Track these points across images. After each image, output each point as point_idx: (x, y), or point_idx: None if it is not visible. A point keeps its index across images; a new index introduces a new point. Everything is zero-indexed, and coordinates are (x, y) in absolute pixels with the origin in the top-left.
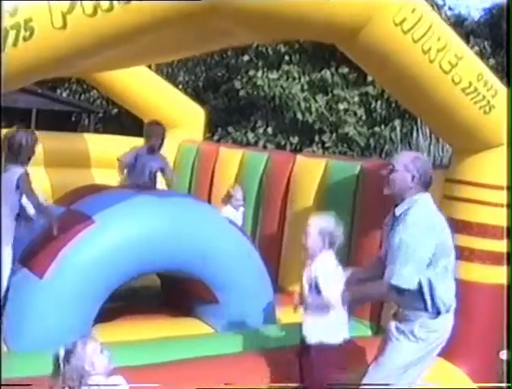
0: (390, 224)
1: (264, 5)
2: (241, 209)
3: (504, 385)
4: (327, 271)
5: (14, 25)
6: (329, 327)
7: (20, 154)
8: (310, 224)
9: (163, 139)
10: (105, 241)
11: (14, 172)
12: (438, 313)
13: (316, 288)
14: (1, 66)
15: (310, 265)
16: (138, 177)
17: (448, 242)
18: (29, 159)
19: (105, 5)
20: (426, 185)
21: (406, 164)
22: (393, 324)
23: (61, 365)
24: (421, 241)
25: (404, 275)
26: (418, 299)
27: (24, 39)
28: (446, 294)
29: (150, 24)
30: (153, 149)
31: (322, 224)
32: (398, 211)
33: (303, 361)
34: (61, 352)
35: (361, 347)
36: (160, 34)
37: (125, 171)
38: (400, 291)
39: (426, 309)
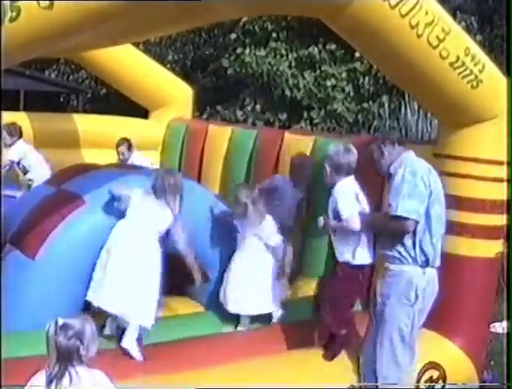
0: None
1: None
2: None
3: (504, 385)
4: (345, 197)
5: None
6: (354, 249)
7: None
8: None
9: None
10: (96, 221)
11: None
12: (426, 263)
13: (337, 214)
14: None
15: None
16: None
17: (441, 193)
18: None
19: None
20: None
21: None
22: (380, 291)
23: (52, 339)
24: (420, 179)
25: (409, 206)
26: (410, 244)
27: (11, 19)
28: (437, 245)
29: (132, 2)
30: None
31: (328, 154)
32: (391, 171)
33: (329, 292)
34: (53, 327)
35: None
36: (145, 9)
37: None
38: (403, 225)
39: (414, 260)
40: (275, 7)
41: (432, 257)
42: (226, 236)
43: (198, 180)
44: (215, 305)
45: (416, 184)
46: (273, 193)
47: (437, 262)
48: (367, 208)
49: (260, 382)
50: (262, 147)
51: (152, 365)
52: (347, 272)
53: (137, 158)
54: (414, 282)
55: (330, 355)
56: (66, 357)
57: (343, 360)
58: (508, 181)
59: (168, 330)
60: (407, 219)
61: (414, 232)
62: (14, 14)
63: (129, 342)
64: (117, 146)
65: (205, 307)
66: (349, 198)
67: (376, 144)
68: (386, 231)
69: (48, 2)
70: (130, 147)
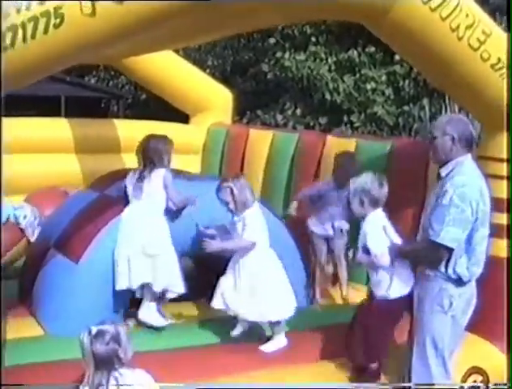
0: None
1: None
2: None
3: (504, 385)
4: (375, 230)
5: (44, 12)
6: (390, 283)
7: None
8: (350, 184)
9: None
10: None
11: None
12: (459, 281)
13: (366, 248)
14: (1, 64)
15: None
16: None
17: (487, 214)
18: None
19: None
20: (468, 145)
21: (443, 128)
22: (417, 293)
23: (88, 348)
24: (468, 204)
25: (452, 234)
26: (446, 263)
27: (55, 26)
28: (473, 267)
29: (177, 8)
30: None
31: (357, 184)
32: (443, 171)
33: (363, 323)
34: (88, 334)
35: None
36: (187, 18)
37: None
38: (438, 251)
39: (448, 278)
40: (319, 13)
41: (466, 278)
42: (270, 239)
43: None
44: None
45: (463, 210)
46: (317, 201)
47: (474, 278)
48: (396, 239)
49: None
50: (303, 151)
51: (180, 369)
52: (384, 306)
53: None
54: (447, 289)
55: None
56: (107, 363)
57: None
58: (508, 178)
59: (195, 335)
60: (446, 247)
61: (449, 257)
62: (58, 20)
63: (146, 313)
64: None
65: None
66: (378, 233)
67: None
68: (420, 255)
69: (90, 9)
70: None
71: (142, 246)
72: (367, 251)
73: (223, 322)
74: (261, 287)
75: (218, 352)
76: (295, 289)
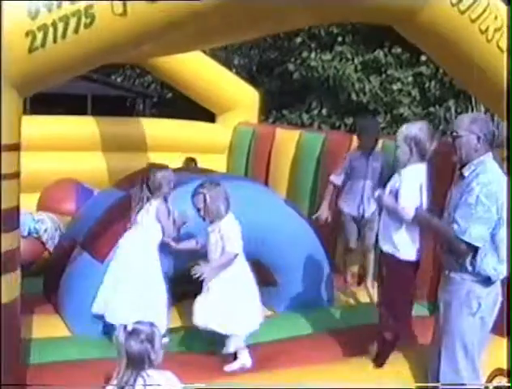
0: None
1: None
2: None
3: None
4: (412, 183)
5: (75, 12)
6: (400, 241)
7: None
8: (399, 131)
9: None
10: None
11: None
12: (488, 281)
13: (395, 196)
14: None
15: (398, 171)
16: None
17: (506, 213)
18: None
19: None
20: (490, 144)
21: (468, 127)
22: (444, 297)
23: (122, 344)
24: (495, 202)
25: (476, 232)
26: (472, 261)
27: (85, 26)
28: (502, 262)
29: (209, 8)
30: None
31: (409, 131)
32: (466, 171)
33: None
34: (124, 331)
35: (419, 327)
36: (218, 18)
37: None
38: (461, 247)
39: (476, 276)
40: (349, 15)
41: (495, 277)
42: (295, 239)
43: (266, 184)
44: (283, 308)
45: (489, 208)
46: (352, 173)
47: (501, 277)
48: (425, 203)
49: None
50: (329, 151)
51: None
52: (393, 267)
53: None
54: (475, 291)
55: (379, 361)
56: (138, 362)
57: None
58: (508, 176)
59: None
60: (471, 244)
61: (474, 255)
62: (88, 20)
63: None
64: (187, 164)
65: (274, 311)
66: (415, 187)
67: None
68: (445, 244)
69: (121, 9)
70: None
71: (127, 278)
72: (395, 197)
73: None
74: (231, 299)
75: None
76: (319, 290)
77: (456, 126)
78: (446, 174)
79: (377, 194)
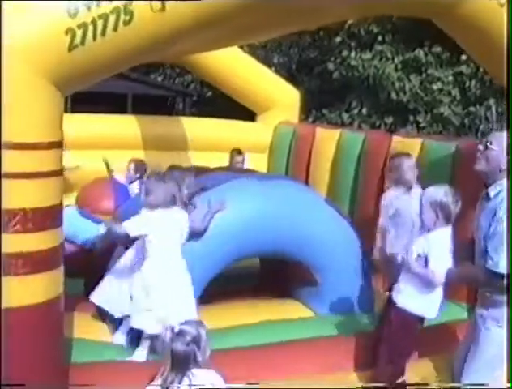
0: (482, 203)
1: None
2: None
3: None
4: (442, 249)
5: (113, 10)
6: (427, 302)
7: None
8: (424, 194)
9: None
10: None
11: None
12: None
13: (424, 261)
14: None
15: (424, 236)
16: None
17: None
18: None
19: None
20: None
21: (503, 145)
22: (481, 312)
23: (168, 345)
24: None
25: (504, 261)
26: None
27: (124, 23)
28: None
29: (246, 3)
30: None
31: (434, 196)
32: (491, 191)
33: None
34: (170, 332)
35: (455, 330)
36: (259, 12)
37: None
38: (498, 278)
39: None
40: (389, 8)
41: None
42: (335, 238)
43: (306, 183)
44: (325, 308)
45: None
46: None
47: None
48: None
49: None
50: (370, 151)
51: (261, 366)
52: (402, 319)
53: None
54: (503, 301)
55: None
56: (184, 363)
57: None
58: (508, 176)
59: (276, 333)
60: (503, 275)
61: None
62: (128, 18)
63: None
64: (232, 156)
65: (314, 312)
66: (445, 252)
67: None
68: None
69: (160, 6)
70: (243, 159)
71: (142, 278)
72: (423, 262)
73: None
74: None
75: (271, 353)
76: (359, 291)
77: (493, 137)
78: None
79: (400, 257)
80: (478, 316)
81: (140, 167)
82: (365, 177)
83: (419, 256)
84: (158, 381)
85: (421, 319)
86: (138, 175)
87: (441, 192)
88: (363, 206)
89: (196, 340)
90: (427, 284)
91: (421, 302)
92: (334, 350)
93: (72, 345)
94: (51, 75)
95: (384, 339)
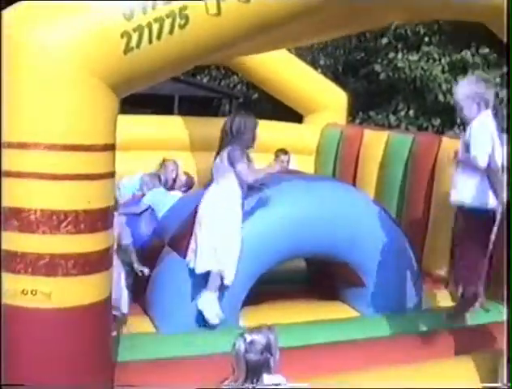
0: None
1: None
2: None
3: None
4: (481, 131)
5: (169, 13)
6: (475, 190)
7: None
8: (457, 90)
9: None
10: (255, 226)
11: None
12: None
13: (467, 147)
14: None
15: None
16: None
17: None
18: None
19: None
20: None
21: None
22: None
23: (242, 355)
24: None
25: None
26: None
27: (180, 26)
28: None
29: (302, 7)
30: None
31: (466, 89)
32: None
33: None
34: (243, 342)
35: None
36: (316, 16)
37: None
38: None
39: None
40: (441, 11)
41: None
42: (383, 241)
43: (353, 185)
44: (371, 310)
45: None
46: None
47: None
48: (499, 150)
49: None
50: (418, 153)
51: (305, 366)
52: (467, 221)
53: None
54: None
55: (456, 319)
56: (257, 371)
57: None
58: (508, 177)
59: (320, 333)
60: None
61: None
62: (183, 21)
63: (204, 302)
64: (278, 155)
65: (361, 313)
66: (485, 135)
67: None
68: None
69: (216, 9)
70: (288, 159)
71: (211, 233)
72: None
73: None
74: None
75: (319, 352)
76: (407, 293)
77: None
78: None
79: (452, 154)
80: None
81: (189, 180)
82: (414, 179)
83: (464, 144)
84: (229, 385)
85: (484, 218)
86: (184, 188)
87: (471, 83)
88: (411, 208)
89: (268, 347)
90: (472, 170)
91: (473, 192)
92: (381, 350)
93: (119, 344)
94: (107, 78)
95: (459, 254)
